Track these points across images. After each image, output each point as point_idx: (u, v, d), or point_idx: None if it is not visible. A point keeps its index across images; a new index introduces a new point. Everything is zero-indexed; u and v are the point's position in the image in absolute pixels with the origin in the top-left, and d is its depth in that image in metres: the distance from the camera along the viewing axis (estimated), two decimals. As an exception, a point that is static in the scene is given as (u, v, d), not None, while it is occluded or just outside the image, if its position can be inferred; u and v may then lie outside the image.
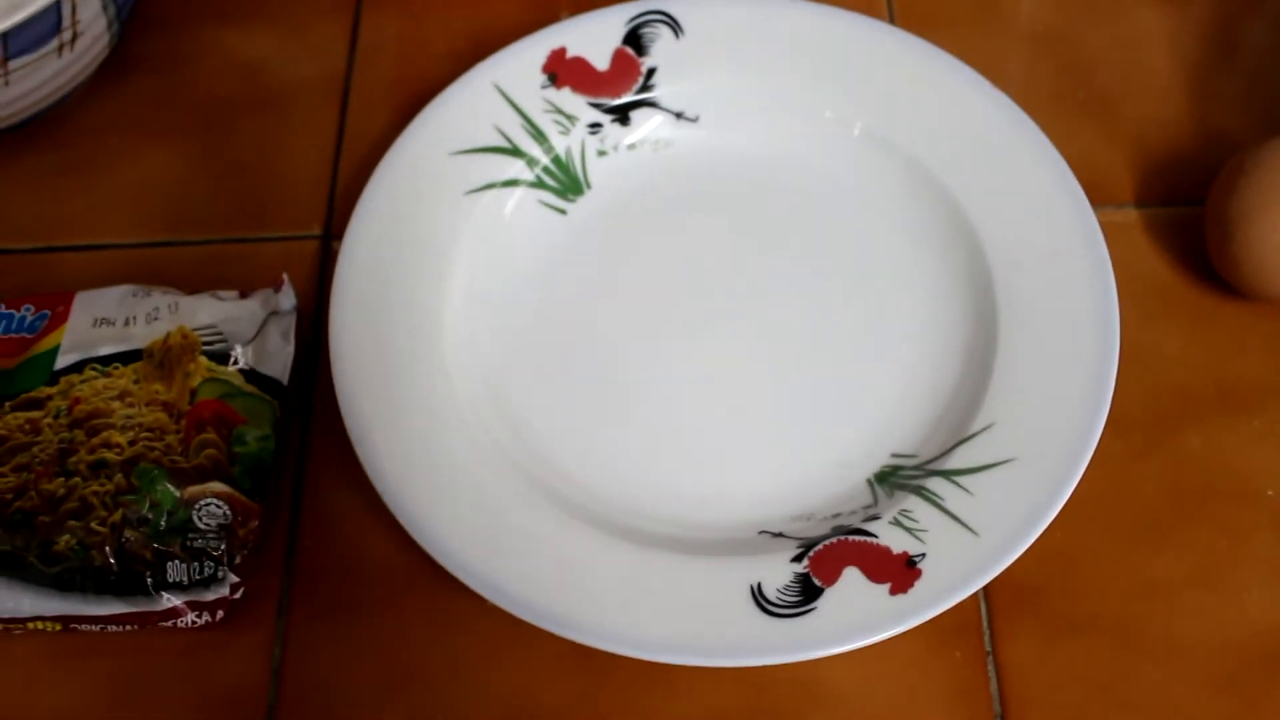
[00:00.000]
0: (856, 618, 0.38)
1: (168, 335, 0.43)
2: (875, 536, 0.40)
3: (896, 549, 0.39)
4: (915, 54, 0.47)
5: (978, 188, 0.45)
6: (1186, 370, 0.45)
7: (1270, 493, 0.43)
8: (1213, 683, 0.40)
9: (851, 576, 0.39)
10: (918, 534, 0.39)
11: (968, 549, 0.39)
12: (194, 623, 0.40)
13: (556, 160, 0.47)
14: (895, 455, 0.42)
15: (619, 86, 0.48)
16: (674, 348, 0.44)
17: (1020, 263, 0.44)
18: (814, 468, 0.42)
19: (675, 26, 0.48)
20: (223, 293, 0.45)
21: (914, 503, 0.40)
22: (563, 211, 0.47)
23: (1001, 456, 0.40)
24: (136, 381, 0.42)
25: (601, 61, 0.48)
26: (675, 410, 0.43)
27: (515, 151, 0.47)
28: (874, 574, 0.39)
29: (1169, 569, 0.42)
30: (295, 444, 0.44)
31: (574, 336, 0.45)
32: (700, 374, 0.44)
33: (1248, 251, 0.44)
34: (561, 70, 0.48)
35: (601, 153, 0.48)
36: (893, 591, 0.38)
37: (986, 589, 0.41)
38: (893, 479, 0.41)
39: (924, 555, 0.39)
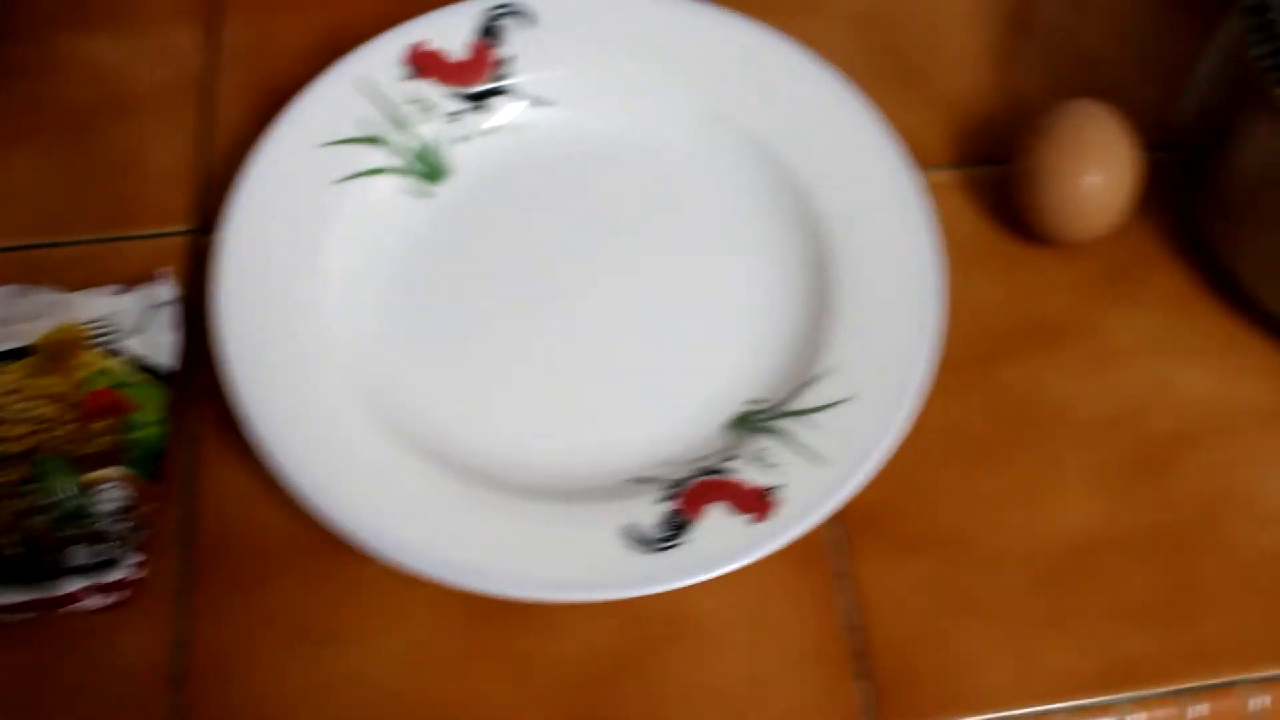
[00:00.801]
0: (723, 546, 0.42)
1: (55, 330, 0.44)
2: (736, 473, 0.44)
3: (756, 483, 0.43)
4: (751, 35, 0.52)
5: (811, 155, 0.50)
6: (1003, 313, 0.50)
7: (1078, 414, 0.48)
8: (1034, 580, 0.45)
9: (717, 510, 0.43)
10: (774, 468, 0.44)
11: (820, 478, 0.43)
12: (98, 605, 0.42)
13: (418, 148, 0.50)
14: (749, 402, 0.46)
15: (476, 75, 0.51)
16: (542, 316, 0.48)
17: (852, 220, 0.48)
18: (675, 418, 0.46)
19: (529, 17, 0.51)
20: (105, 287, 0.46)
21: (769, 442, 0.44)
22: (430, 195, 0.50)
23: (844, 394, 0.45)
24: (27, 377, 0.44)
25: (459, 52, 0.51)
26: (545, 373, 0.47)
27: (379, 141, 0.49)
28: (737, 505, 0.43)
29: (995, 487, 0.47)
30: (187, 427, 0.46)
31: (447, 309, 0.48)
32: (567, 339, 0.48)
33: (1045, 203, 0.49)
34: (420, 62, 0.50)
35: (464, 138, 0.51)
36: (755, 520, 0.42)
37: (840, 515, 0.46)
38: (749, 423, 0.46)
39: (781, 486, 0.43)
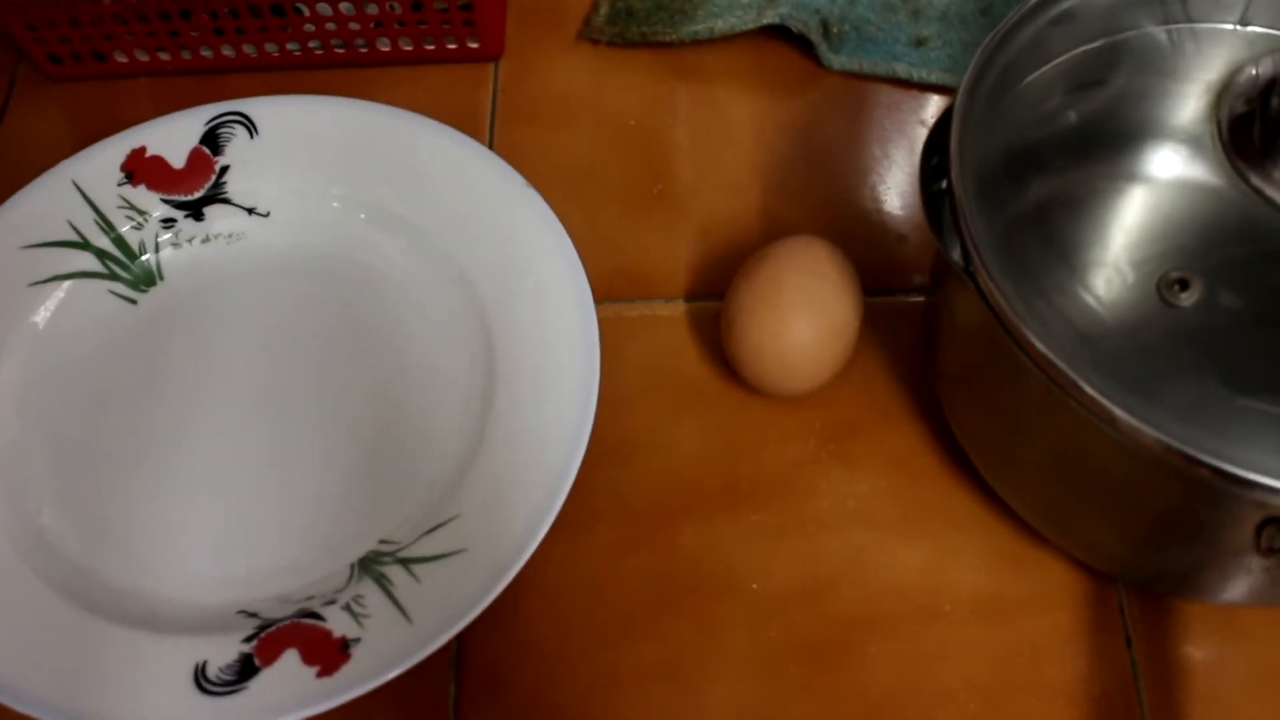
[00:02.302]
0: (280, 698, 0.39)
1: None
2: (324, 620, 0.41)
3: (337, 633, 0.41)
4: (464, 155, 0.50)
5: (497, 288, 0.47)
6: (700, 464, 0.46)
7: (755, 586, 0.44)
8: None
9: (289, 658, 0.40)
10: (361, 619, 0.41)
11: (400, 636, 0.40)
12: None
13: (128, 253, 0.50)
14: (382, 541, 0.44)
15: (193, 184, 0.50)
16: (205, 435, 0.46)
17: (519, 361, 0.45)
18: (306, 551, 0.44)
19: (250, 127, 0.51)
20: None
21: (369, 588, 0.42)
22: (133, 302, 0.49)
23: (455, 547, 0.42)
24: None
25: (178, 160, 0.50)
26: (192, 495, 0.45)
27: (86, 245, 0.49)
28: (309, 656, 0.40)
29: (640, 660, 0.43)
30: None
31: (113, 421, 0.47)
32: (220, 461, 0.46)
33: (743, 352, 0.45)
34: (139, 168, 0.50)
35: (175, 245, 0.50)
36: (320, 674, 0.40)
37: (460, 671, 0.43)
38: (368, 564, 0.43)
39: (359, 640, 0.40)
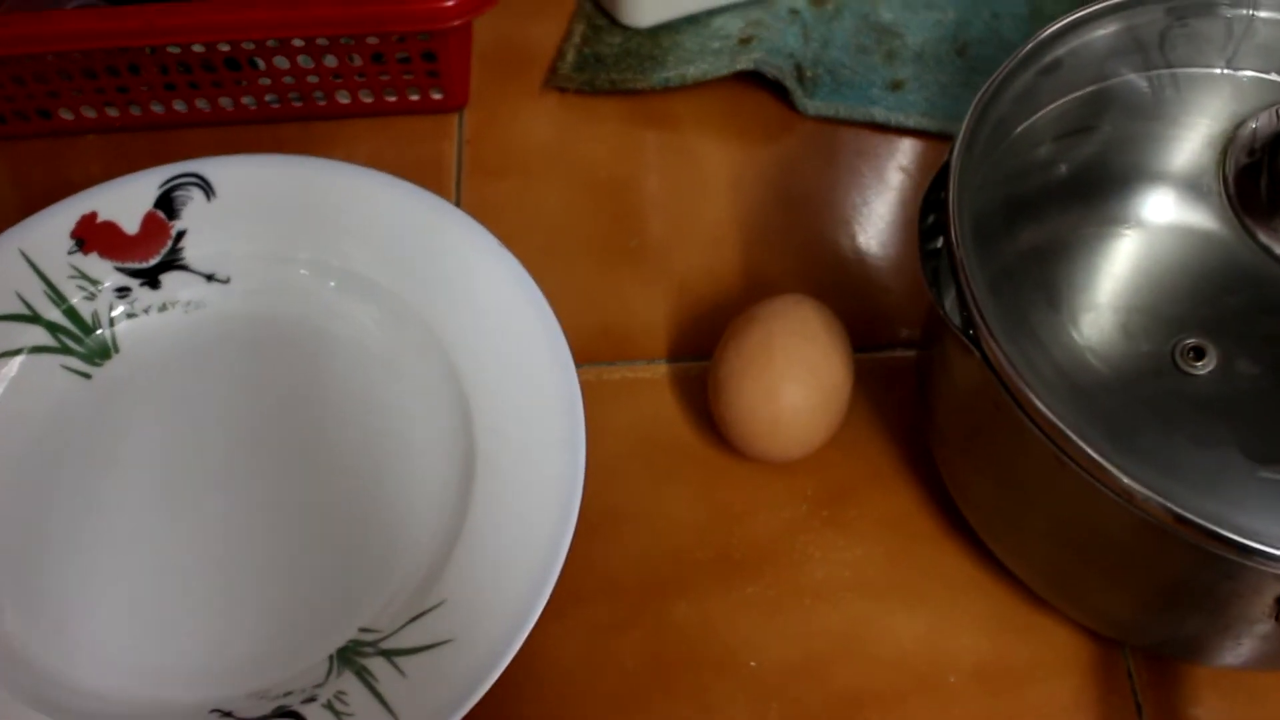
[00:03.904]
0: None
1: None
2: (305, 719, 0.39)
3: (320, 734, 0.39)
4: (434, 216, 0.48)
5: (473, 358, 0.45)
6: (690, 533, 0.45)
7: (752, 663, 0.42)
8: None
9: (266, 764, 0.38)
10: (344, 717, 0.39)
11: (384, 736, 0.38)
12: None
13: (81, 326, 0.47)
14: (362, 630, 0.42)
15: (149, 250, 0.48)
16: (166, 519, 0.44)
17: (503, 433, 0.43)
18: (280, 641, 0.42)
19: (207, 189, 0.48)
20: None
21: (351, 683, 0.40)
22: (87, 376, 0.47)
23: (442, 637, 0.40)
24: None
25: (132, 225, 0.48)
26: (153, 585, 0.43)
27: (36, 319, 0.47)
28: (286, 762, 0.38)
29: (634, 743, 0.41)
30: None
31: (66, 506, 0.44)
32: (187, 546, 0.43)
33: (731, 415, 0.43)
34: (90, 235, 0.48)
35: (130, 315, 0.48)
36: (298, 782, 0.38)
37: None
38: (348, 654, 0.41)
39: (342, 741, 0.38)
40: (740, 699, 0.42)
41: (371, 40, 0.51)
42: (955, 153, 0.38)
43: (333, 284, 0.48)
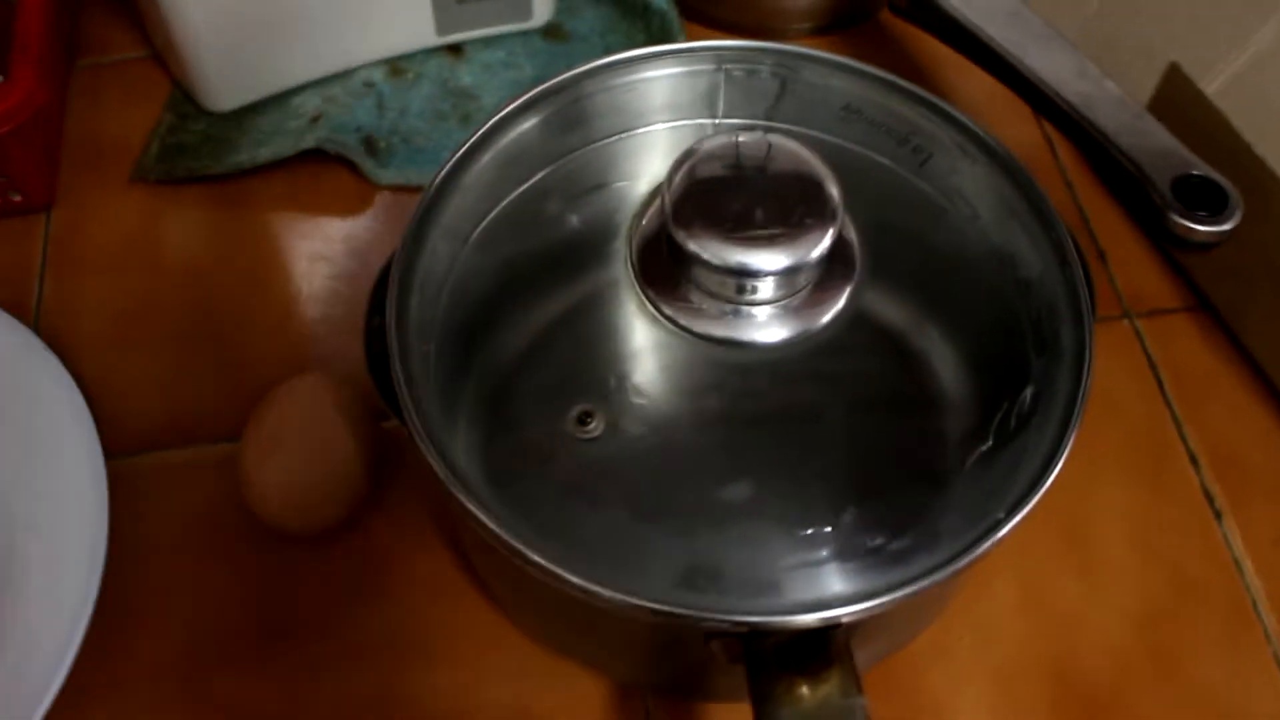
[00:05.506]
0: None
1: None
2: None
3: None
4: None
5: (8, 457, 0.47)
6: (233, 608, 0.46)
7: (286, 732, 0.44)
8: None
9: None
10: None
11: None
12: None
13: None
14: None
15: None
16: None
17: (38, 531, 0.45)
18: None
19: None
20: None
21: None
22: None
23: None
24: None
25: None
26: None
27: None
28: None
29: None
30: None
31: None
32: None
33: (253, 494, 0.45)
34: None
35: None
36: None
37: None
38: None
39: None
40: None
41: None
42: (396, 259, 0.39)
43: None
